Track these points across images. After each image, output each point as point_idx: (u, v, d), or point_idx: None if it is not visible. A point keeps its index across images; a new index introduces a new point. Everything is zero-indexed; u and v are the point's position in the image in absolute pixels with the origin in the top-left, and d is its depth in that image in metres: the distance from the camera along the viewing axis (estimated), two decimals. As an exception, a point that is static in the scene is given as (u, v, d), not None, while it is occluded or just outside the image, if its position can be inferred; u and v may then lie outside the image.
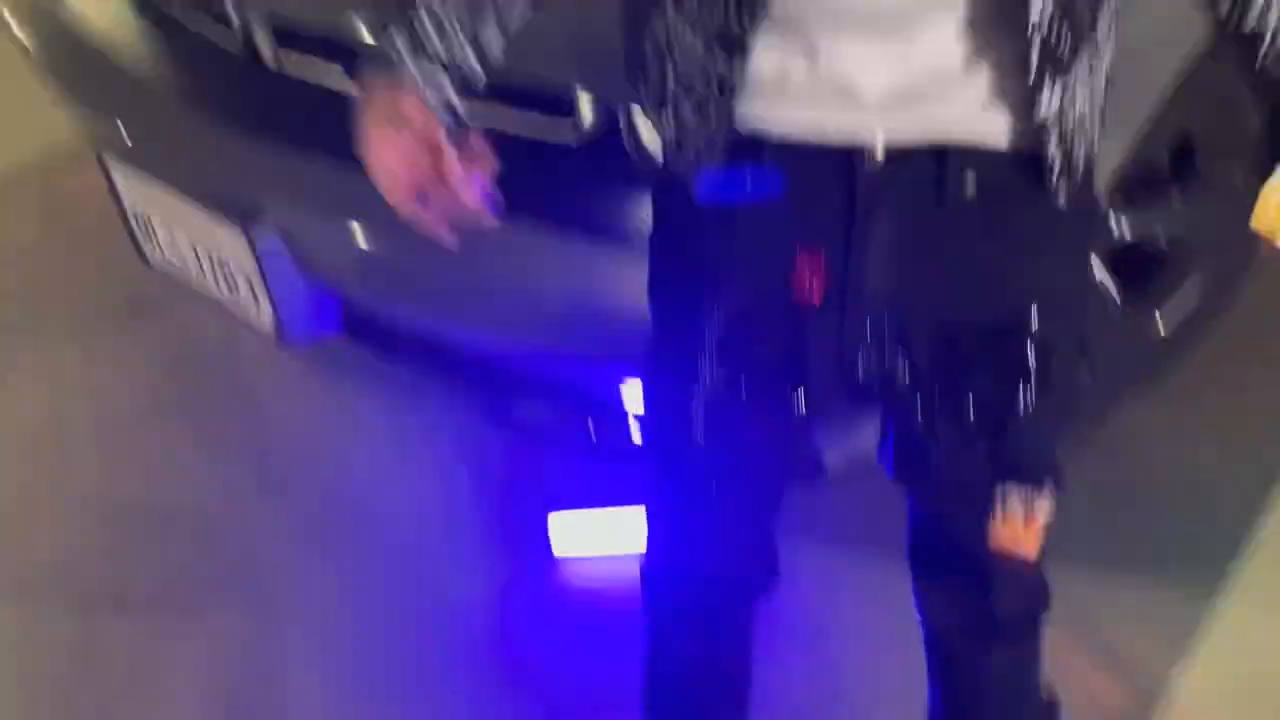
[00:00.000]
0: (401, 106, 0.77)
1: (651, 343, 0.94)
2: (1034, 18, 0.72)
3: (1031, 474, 0.90)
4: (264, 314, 1.51)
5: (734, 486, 0.95)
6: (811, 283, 0.83)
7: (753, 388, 0.88)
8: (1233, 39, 0.79)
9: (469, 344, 1.50)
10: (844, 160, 0.79)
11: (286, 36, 1.41)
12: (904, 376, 0.86)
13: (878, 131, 0.78)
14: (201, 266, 1.54)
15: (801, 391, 0.88)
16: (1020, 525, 0.92)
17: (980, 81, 0.77)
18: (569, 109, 1.24)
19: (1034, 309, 0.84)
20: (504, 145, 0.83)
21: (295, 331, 1.52)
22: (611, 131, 1.23)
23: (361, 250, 1.36)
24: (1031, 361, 0.85)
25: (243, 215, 1.38)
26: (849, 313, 0.84)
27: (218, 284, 1.53)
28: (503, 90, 1.13)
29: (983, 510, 0.91)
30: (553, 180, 1.26)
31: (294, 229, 1.39)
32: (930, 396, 0.87)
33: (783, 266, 0.83)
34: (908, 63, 0.76)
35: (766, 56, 0.77)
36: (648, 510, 1.01)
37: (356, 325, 1.57)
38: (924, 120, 0.78)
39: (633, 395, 1.37)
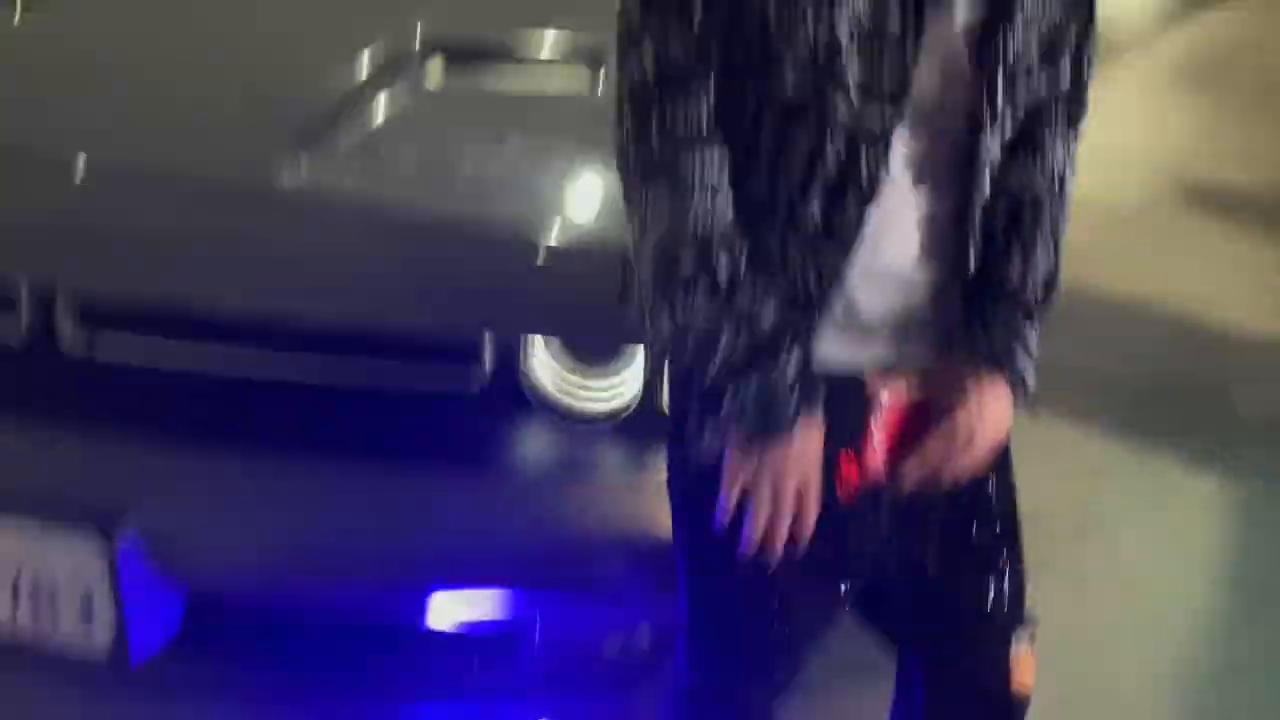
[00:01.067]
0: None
1: (701, 560, 1.01)
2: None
3: (1026, 611, 1.06)
4: (101, 635, 1.27)
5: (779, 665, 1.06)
6: (850, 478, 0.95)
7: (807, 584, 0.98)
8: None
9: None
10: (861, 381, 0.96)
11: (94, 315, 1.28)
12: (928, 555, 1.01)
13: (884, 360, 0.97)
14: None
15: (847, 582, 1.01)
16: (1030, 658, 1.05)
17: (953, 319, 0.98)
18: (471, 356, 1.25)
19: (1000, 475, 1.03)
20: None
21: (144, 647, 1.30)
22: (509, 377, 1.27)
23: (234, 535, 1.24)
24: (1011, 517, 1.05)
25: (93, 518, 1.19)
26: (882, 502, 0.97)
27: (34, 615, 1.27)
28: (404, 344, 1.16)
29: (1003, 654, 1.05)
30: (449, 428, 1.27)
31: (154, 525, 1.22)
32: (954, 566, 1.02)
33: (827, 470, 0.94)
34: (909, 309, 0.95)
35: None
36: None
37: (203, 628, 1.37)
38: (920, 347, 0.97)
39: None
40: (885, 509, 0.98)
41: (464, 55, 1.55)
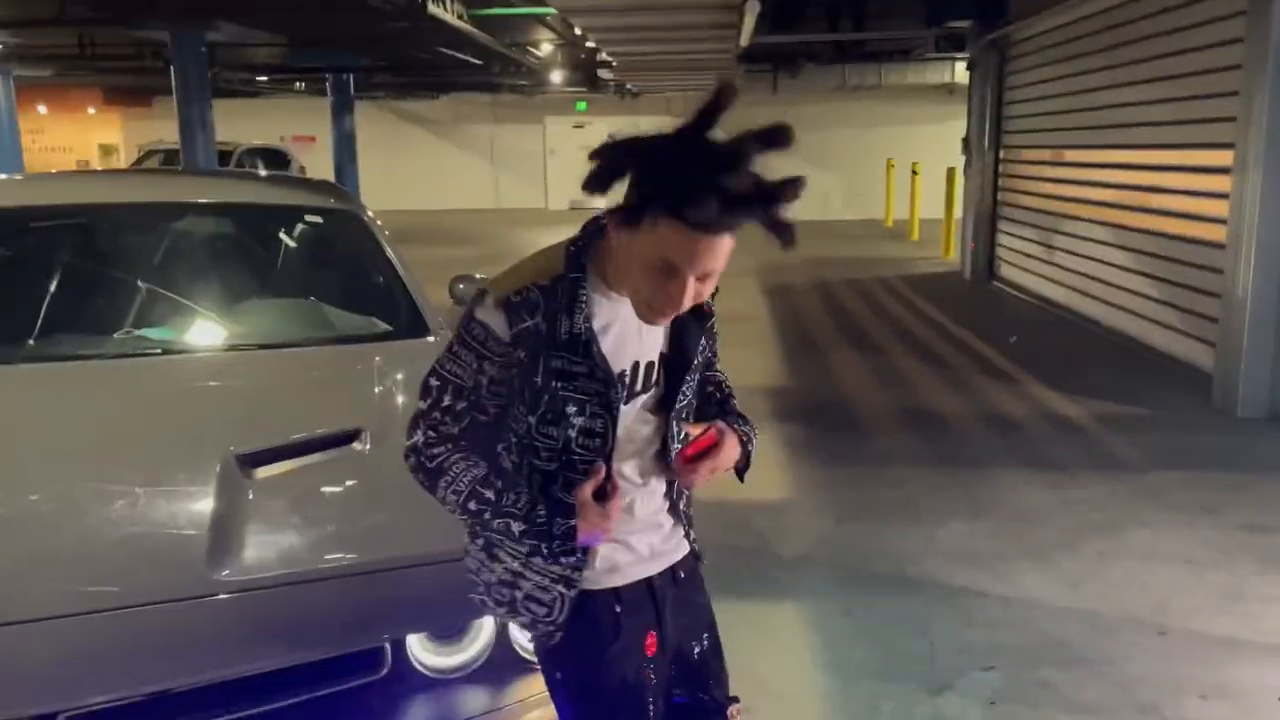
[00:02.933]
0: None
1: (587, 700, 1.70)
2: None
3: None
4: None
5: None
6: (652, 642, 1.73)
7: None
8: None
9: None
10: (648, 582, 1.71)
11: None
12: (695, 663, 1.79)
13: (654, 569, 1.72)
14: None
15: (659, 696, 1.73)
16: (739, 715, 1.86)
17: (678, 539, 1.76)
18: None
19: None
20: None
21: None
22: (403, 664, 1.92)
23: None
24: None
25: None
26: (666, 648, 1.74)
27: None
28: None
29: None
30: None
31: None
32: (707, 672, 1.80)
33: (643, 639, 1.70)
34: (662, 537, 1.73)
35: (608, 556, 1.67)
36: None
37: None
38: (670, 557, 1.75)
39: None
40: (671, 647, 1.72)
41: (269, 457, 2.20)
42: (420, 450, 1.60)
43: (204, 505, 2.06)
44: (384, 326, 3.25)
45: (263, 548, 1.96)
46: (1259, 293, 5.80)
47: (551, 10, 10.65)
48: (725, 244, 1.45)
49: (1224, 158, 6.13)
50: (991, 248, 11.51)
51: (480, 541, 1.66)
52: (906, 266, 13.15)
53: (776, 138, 1.43)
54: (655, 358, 1.64)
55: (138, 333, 3.00)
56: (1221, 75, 6.33)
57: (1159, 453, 5.31)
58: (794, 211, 1.56)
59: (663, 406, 1.66)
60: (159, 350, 2.96)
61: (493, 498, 1.57)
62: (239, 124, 18.58)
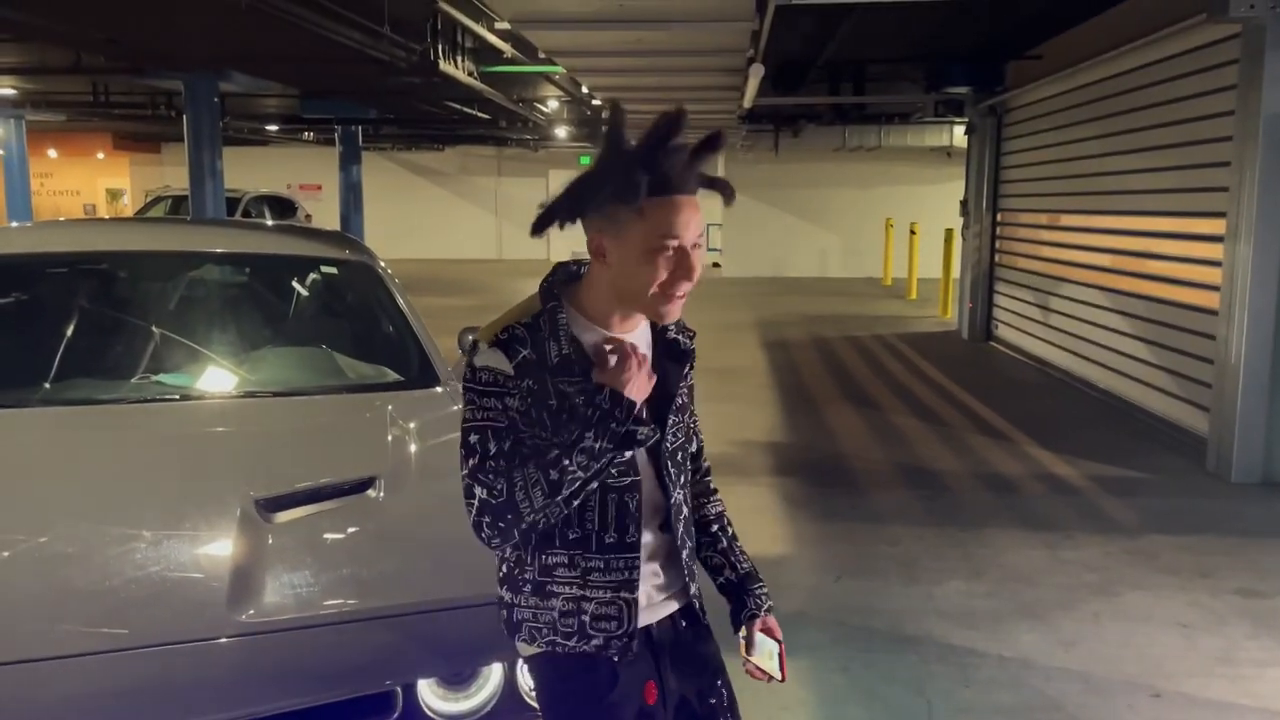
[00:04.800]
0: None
1: None
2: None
3: None
4: None
5: None
6: (651, 690, 1.78)
7: None
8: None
9: None
10: (647, 630, 1.74)
11: None
12: (700, 714, 1.82)
13: (653, 617, 1.75)
14: None
15: None
16: None
17: (679, 588, 1.79)
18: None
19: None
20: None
21: None
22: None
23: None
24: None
25: None
26: (668, 697, 1.78)
27: None
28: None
29: None
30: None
31: None
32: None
33: (641, 688, 1.74)
34: (660, 586, 1.76)
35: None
36: None
37: None
38: (669, 606, 1.79)
39: None
40: (672, 697, 1.74)
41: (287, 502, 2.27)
42: (486, 508, 1.58)
43: (225, 548, 2.12)
44: (395, 376, 3.32)
45: (281, 591, 2.02)
46: (1251, 359, 5.90)
47: (559, 69, 10.91)
48: (698, 211, 1.61)
49: (1217, 226, 6.27)
50: (989, 308, 11.65)
51: (528, 588, 1.69)
52: (904, 325, 13.28)
53: (706, 142, 1.61)
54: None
55: (155, 378, 3.07)
56: (1214, 146, 6.49)
57: (1153, 516, 5.36)
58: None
59: (653, 450, 1.72)
60: (177, 395, 3.03)
61: (558, 453, 1.57)
62: (246, 171, 18.85)
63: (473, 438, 1.62)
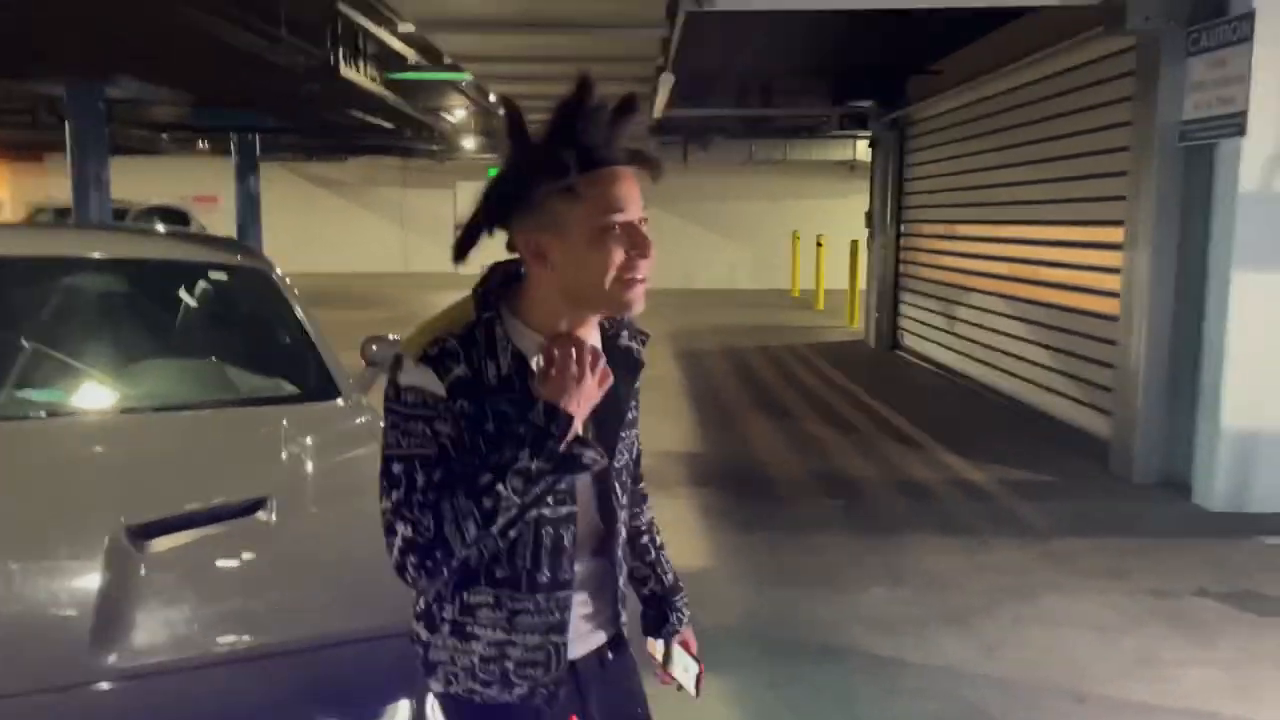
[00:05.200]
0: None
1: None
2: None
3: None
4: None
5: None
6: None
7: None
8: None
9: None
10: (572, 665, 1.58)
11: None
12: None
13: (579, 651, 1.59)
14: None
15: None
16: None
17: (606, 619, 1.64)
18: None
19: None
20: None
21: None
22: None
23: None
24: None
25: None
26: None
27: None
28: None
29: None
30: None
31: None
32: None
33: None
34: (587, 616, 1.60)
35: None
36: None
37: None
38: (596, 638, 1.63)
39: None
40: None
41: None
42: (411, 547, 1.38)
43: (90, 582, 1.88)
44: (291, 388, 3.10)
45: (155, 629, 1.80)
46: (1151, 363, 6.04)
47: (466, 75, 10.69)
48: (636, 182, 1.46)
49: (1115, 234, 6.43)
50: (895, 318, 11.82)
51: (446, 627, 1.51)
52: (813, 335, 13.39)
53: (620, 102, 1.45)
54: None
55: (20, 394, 2.79)
56: (1111, 156, 6.66)
57: (1063, 518, 5.42)
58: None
59: (599, 472, 1.53)
60: (43, 413, 2.75)
61: (490, 477, 1.38)
62: (140, 182, 18.05)
63: (396, 468, 1.41)
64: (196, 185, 21.98)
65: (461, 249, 1.44)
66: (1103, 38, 6.29)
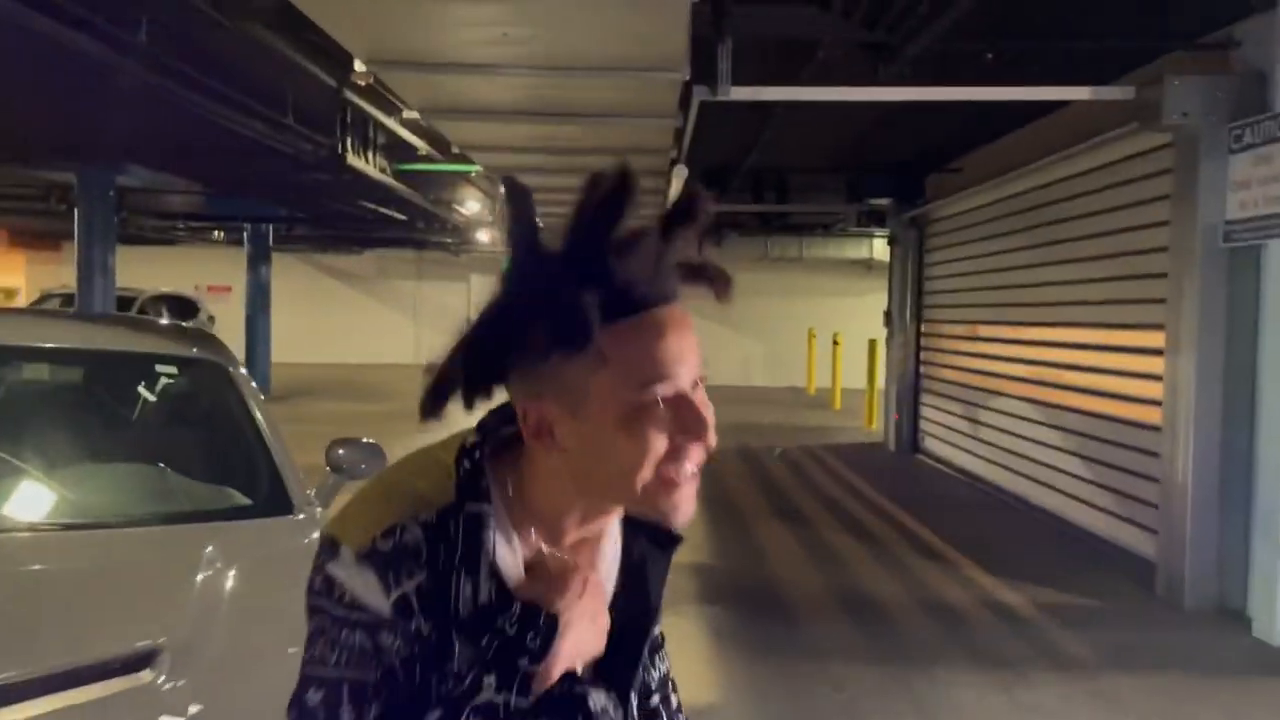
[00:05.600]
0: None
1: None
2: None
3: None
4: None
5: None
6: None
7: None
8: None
9: None
10: None
11: None
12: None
13: None
14: None
15: None
16: None
17: None
18: None
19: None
20: None
21: None
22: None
23: None
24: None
25: None
26: None
27: None
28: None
29: None
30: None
31: None
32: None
33: None
34: None
35: None
36: None
37: None
38: None
39: None
40: None
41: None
42: None
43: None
44: (240, 500, 2.71)
45: None
46: (1199, 477, 5.57)
47: (476, 167, 10.57)
48: (690, 326, 1.00)
49: (1155, 339, 6.03)
50: (915, 420, 11.38)
51: None
52: (830, 435, 12.94)
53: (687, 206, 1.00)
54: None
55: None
56: (1149, 257, 6.31)
57: (1108, 650, 4.90)
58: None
59: (615, 680, 1.04)
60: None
61: (439, 714, 0.93)
62: (155, 271, 18.09)
63: (313, 695, 0.94)
64: (211, 275, 22.05)
65: (430, 407, 0.96)
66: (1138, 134, 6.00)
